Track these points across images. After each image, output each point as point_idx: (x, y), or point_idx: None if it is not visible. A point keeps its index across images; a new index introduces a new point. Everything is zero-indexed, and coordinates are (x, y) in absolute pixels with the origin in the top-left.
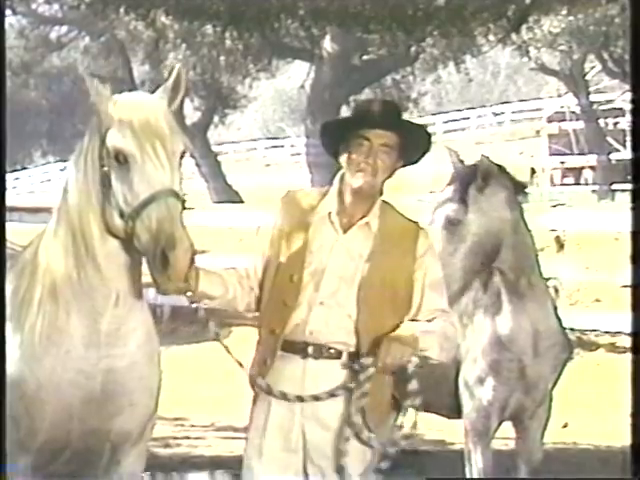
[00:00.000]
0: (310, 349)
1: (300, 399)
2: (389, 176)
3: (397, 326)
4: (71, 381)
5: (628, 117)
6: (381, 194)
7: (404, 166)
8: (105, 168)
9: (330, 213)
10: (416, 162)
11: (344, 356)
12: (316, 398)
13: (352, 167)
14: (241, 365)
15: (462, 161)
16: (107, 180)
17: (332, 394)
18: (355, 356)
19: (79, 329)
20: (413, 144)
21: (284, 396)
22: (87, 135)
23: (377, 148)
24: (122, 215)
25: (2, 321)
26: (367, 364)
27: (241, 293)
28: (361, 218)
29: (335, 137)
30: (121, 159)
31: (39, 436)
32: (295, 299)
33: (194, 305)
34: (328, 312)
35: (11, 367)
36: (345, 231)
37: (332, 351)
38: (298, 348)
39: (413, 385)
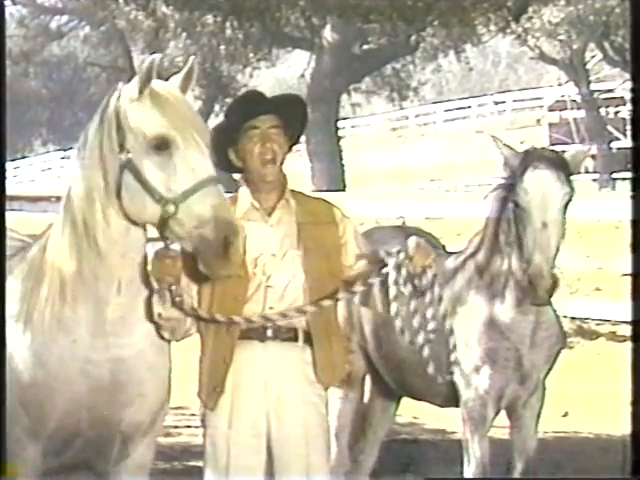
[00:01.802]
0: (269, 332)
1: None
2: (286, 153)
3: (337, 289)
4: (80, 369)
5: (629, 106)
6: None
7: (292, 139)
8: (130, 155)
9: (251, 202)
10: (300, 131)
11: (300, 336)
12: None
13: (255, 160)
14: None
15: (511, 148)
16: (131, 166)
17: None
18: (309, 336)
19: (85, 318)
20: (292, 116)
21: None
22: (92, 127)
23: (267, 131)
24: (160, 200)
25: (2, 318)
26: (399, 256)
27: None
28: (278, 200)
29: (224, 141)
30: (162, 146)
31: (49, 423)
32: (245, 291)
33: (155, 313)
34: (279, 288)
35: (22, 355)
36: (269, 214)
37: (290, 335)
38: (257, 333)
39: None
